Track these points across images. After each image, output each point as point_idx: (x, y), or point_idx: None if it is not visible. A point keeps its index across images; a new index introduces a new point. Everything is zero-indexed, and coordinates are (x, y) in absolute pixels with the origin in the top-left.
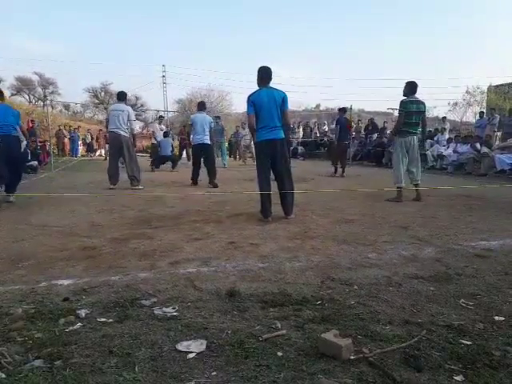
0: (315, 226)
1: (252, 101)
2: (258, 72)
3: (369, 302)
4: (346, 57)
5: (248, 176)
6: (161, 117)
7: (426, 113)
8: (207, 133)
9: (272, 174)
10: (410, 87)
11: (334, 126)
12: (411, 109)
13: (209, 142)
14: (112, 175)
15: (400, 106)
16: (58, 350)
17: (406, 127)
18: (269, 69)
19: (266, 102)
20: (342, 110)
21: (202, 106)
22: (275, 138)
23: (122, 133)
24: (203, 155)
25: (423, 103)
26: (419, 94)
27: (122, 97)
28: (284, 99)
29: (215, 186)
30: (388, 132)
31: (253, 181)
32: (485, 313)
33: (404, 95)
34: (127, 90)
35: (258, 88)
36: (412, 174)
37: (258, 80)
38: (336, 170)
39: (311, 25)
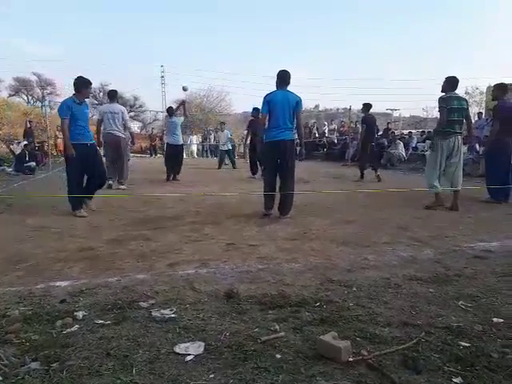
0: (314, 228)
1: (267, 100)
2: (278, 75)
3: (368, 304)
4: (346, 57)
5: (246, 177)
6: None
7: (427, 113)
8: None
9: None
10: (451, 83)
11: (359, 125)
12: (453, 105)
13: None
14: (112, 177)
15: (440, 103)
16: (55, 353)
17: (447, 126)
18: (288, 73)
19: (280, 102)
20: (366, 107)
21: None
22: (285, 138)
23: (120, 134)
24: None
25: (465, 100)
26: (417, 95)
27: (113, 96)
28: (298, 102)
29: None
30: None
31: (251, 182)
32: (483, 315)
33: (442, 91)
34: (126, 90)
35: (275, 89)
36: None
37: (276, 82)
38: (362, 174)
39: (311, 24)
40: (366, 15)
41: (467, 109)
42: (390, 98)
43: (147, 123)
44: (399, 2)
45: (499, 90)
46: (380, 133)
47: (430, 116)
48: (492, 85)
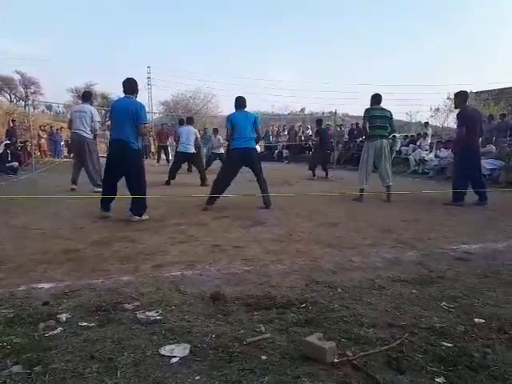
0: (299, 229)
1: (230, 119)
2: (236, 100)
3: (352, 305)
4: (332, 61)
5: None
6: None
7: (410, 117)
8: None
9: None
10: (375, 99)
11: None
12: (375, 114)
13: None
14: (76, 177)
15: (364, 114)
16: (37, 356)
17: (372, 131)
18: (243, 98)
19: (242, 119)
20: (319, 123)
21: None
22: (248, 146)
23: (85, 134)
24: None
25: (389, 111)
26: (407, 100)
27: (86, 97)
28: (256, 119)
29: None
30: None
31: (239, 182)
32: (465, 315)
33: (371, 105)
34: (113, 90)
35: (235, 111)
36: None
37: (235, 105)
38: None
39: (299, 29)
40: (354, 20)
41: (391, 118)
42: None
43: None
44: (387, 8)
45: (458, 97)
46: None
47: (413, 120)
48: (473, 91)
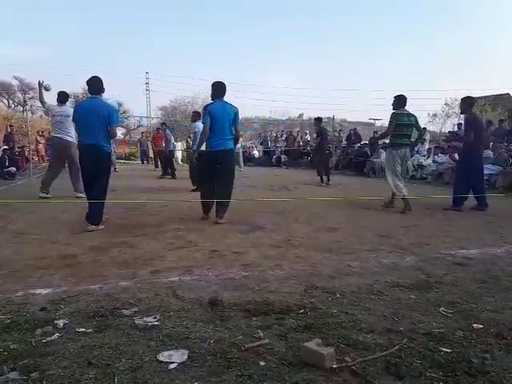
0: (298, 235)
1: (208, 111)
2: (213, 86)
3: (351, 311)
4: (330, 67)
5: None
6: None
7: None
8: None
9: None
10: (400, 100)
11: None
12: (403, 121)
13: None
14: (48, 183)
15: (391, 118)
16: (34, 362)
17: (398, 139)
18: (223, 84)
19: (221, 114)
20: (319, 120)
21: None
22: (225, 148)
23: (69, 138)
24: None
25: (414, 116)
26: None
27: (64, 98)
28: (236, 114)
29: None
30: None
31: (238, 189)
32: (464, 321)
33: (394, 109)
34: (110, 95)
35: (212, 101)
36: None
37: (212, 93)
38: (322, 179)
39: (297, 34)
40: (354, 25)
41: (416, 122)
42: (371, 109)
43: (131, 129)
44: (386, 15)
45: (465, 103)
46: (364, 142)
47: None
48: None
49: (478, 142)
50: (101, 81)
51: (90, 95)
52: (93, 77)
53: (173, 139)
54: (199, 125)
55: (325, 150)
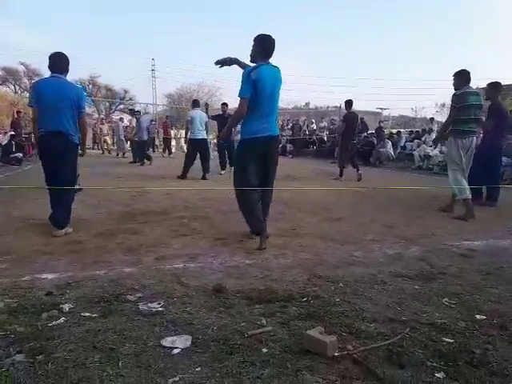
0: (303, 224)
1: (254, 79)
2: (260, 42)
3: (354, 300)
4: (336, 55)
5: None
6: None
7: (415, 113)
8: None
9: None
10: (462, 77)
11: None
12: (468, 102)
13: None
14: None
15: (452, 101)
16: (40, 345)
17: (462, 125)
18: (272, 40)
19: (270, 84)
20: (348, 104)
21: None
22: (273, 133)
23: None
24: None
25: (480, 94)
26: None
27: None
28: (281, 81)
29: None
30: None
31: None
32: (467, 311)
33: (455, 89)
34: (116, 83)
35: (256, 64)
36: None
37: (256, 52)
38: (342, 172)
39: (302, 23)
40: (362, 15)
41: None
42: (378, 98)
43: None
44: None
45: (492, 89)
46: (370, 131)
47: (418, 116)
48: (479, 87)
49: (501, 132)
50: (67, 58)
51: (51, 73)
52: (57, 52)
53: (145, 127)
54: (191, 112)
55: (349, 138)
